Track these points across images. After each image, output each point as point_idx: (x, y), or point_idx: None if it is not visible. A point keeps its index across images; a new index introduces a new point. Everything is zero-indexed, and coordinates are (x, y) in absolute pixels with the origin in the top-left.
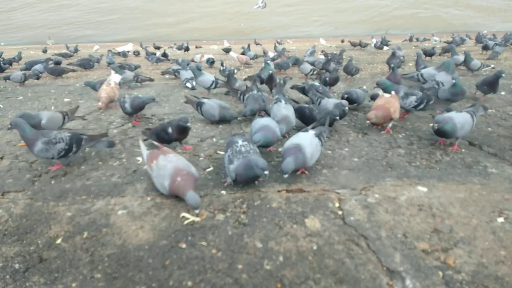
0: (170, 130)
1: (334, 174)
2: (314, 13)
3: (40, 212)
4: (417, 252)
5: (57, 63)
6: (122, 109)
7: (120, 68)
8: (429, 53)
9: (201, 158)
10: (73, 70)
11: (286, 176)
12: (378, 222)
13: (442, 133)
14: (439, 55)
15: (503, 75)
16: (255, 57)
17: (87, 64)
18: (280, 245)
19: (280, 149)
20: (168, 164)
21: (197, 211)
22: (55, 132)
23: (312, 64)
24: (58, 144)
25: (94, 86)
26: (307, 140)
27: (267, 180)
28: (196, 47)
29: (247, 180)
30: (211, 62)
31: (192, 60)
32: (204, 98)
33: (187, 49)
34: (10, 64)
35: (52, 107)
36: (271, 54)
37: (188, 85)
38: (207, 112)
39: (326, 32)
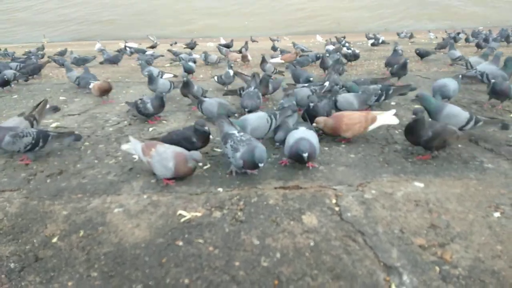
0: (194, 139)
1: (331, 170)
2: (318, 10)
3: (35, 211)
4: (414, 247)
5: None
6: (143, 110)
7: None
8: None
9: None
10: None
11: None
12: (375, 218)
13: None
14: (435, 49)
15: None
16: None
17: (81, 62)
18: (277, 242)
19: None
20: (168, 149)
21: (200, 164)
22: (23, 127)
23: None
24: (25, 137)
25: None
26: (305, 133)
27: (264, 177)
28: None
29: (254, 166)
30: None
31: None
32: (206, 97)
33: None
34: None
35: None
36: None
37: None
38: (207, 109)
39: (326, 29)
